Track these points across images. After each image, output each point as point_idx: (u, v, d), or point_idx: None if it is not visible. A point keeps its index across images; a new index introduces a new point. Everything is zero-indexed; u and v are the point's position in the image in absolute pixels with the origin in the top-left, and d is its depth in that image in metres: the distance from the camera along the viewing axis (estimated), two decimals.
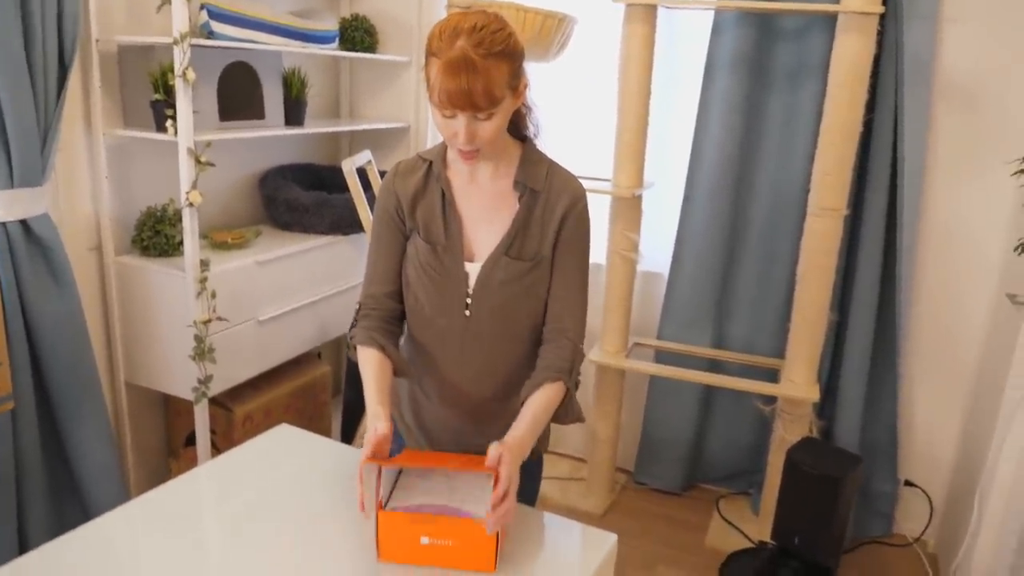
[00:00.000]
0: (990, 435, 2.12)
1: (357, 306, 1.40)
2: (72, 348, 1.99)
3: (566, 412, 1.32)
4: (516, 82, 1.23)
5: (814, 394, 2.39)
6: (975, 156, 2.39)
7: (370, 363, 1.30)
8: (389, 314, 1.37)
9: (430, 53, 1.19)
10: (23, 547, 1.95)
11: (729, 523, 2.69)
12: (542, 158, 1.36)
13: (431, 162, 1.36)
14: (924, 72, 2.33)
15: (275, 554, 1.16)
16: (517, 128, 1.35)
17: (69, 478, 2.07)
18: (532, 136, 1.37)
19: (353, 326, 1.38)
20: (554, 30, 2.41)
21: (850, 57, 2.16)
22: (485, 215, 1.34)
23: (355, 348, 1.35)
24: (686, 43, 2.67)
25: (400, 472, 1.25)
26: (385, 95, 3.06)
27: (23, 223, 1.85)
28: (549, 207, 1.32)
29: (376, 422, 1.19)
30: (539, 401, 1.26)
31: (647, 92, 2.44)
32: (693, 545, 2.59)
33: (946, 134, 2.41)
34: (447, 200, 1.34)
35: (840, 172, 2.25)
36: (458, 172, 1.35)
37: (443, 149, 1.36)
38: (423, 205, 1.36)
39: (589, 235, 1.36)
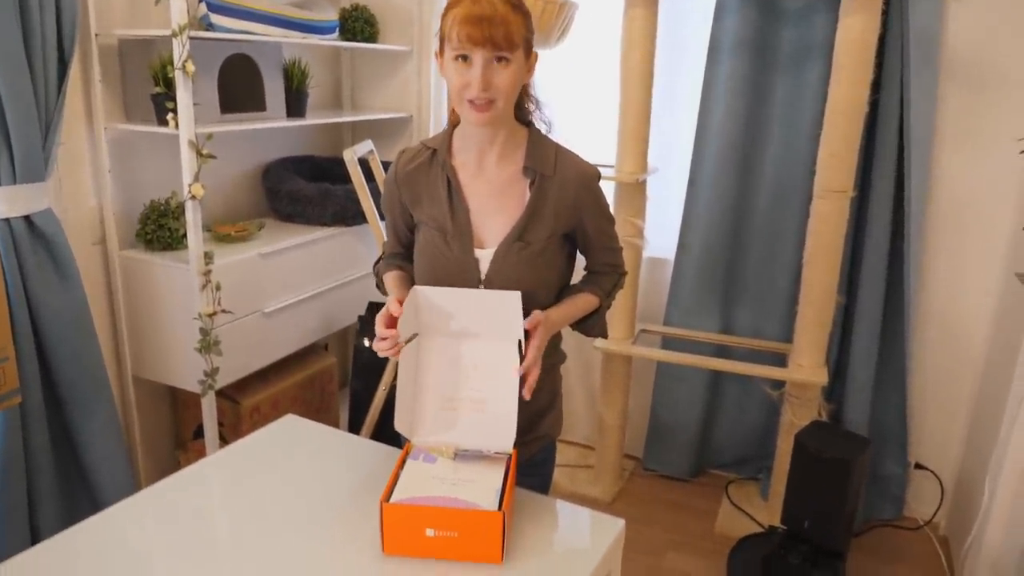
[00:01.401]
0: (1000, 416, 2.10)
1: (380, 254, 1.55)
2: (78, 342, 1.99)
3: (594, 324, 1.44)
4: (530, 38, 1.25)
5: (822, 377, 2.38)
6: (983, 134, 2.36)
7: (392, 276, 1.44)
8: (408, 259, 1.48)
9: (449, 6, 1.22)
10: (35, 538, 1.97)
11: (738, 508, 2.69)
12: (549, 142, 1.36)
13: (435, 150, 1.36)
14: (931, 50, 2.30)
15: (281, 544, 1.16)
16: (522, 112, 1.35)
17: (78, 471, 2.08)
18: (545, 132, 1.38)
19: (376, 264, 1.53)
20: (555, 16, 2.39)
21: (855, 36, 2.13)
22: (493, 201, 1.33)
23: (381, 281, 1.48)
24: (689, 26, 2.64)
25: (406, 461, 1.24)
26: (386, 85, 3.05)
27: (26, 219, 1.85)
28: (560, 191, 1.32)
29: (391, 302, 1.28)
30: (577, 298, 1.39)
31: (650, 77, 2.42)
32: (702, 531, 2.58)
33: (953, 112, 2.38)
34: (452, 187, 1.33)
35: (846, 153, 2.23)
36: (464, 161, 1.35)
37: (447, 136, 1.35)
38: (428, 195, 1.35)
39: (608, 206, 1.41)
